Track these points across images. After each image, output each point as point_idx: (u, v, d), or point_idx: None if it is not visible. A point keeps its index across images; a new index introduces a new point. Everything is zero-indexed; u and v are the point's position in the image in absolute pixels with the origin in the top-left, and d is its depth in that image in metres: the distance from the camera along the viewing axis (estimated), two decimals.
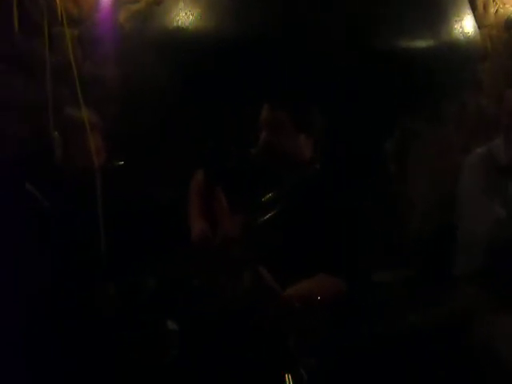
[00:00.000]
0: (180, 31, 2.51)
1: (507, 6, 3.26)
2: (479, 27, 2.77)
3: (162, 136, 2.92)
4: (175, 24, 2.53)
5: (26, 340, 2.10)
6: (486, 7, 3.25)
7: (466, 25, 2.57)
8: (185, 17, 2.50)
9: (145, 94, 2.94)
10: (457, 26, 2.52)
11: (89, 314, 2.18)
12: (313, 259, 1.83)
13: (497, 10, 3.26)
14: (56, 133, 2.36)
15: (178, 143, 2.90)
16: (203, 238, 2.03)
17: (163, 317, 2.12)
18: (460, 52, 2.54)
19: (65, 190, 2.29)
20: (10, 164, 2.19)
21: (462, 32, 2.53)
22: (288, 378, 1.60)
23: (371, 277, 1.94)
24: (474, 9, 2.86)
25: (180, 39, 2.53)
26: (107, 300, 2.21)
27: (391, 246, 2.52)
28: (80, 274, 2.20)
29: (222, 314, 1.89)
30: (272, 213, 1.91)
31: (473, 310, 2.20)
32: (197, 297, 2.01)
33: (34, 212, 2.18)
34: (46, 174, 2.27)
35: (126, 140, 2.81)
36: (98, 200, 2.15)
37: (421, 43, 2.39)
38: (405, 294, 2.58)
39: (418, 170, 2.99)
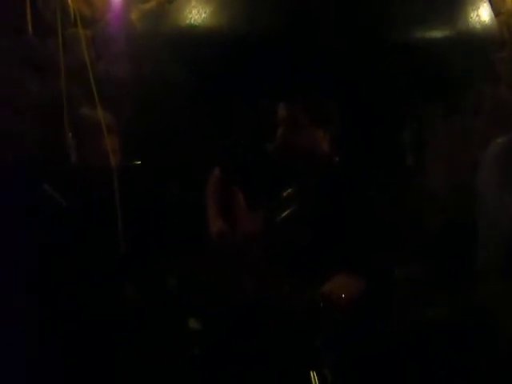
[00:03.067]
0: (193, 29, 2.50)
1: None
2: (496, 15, 2.72)
3: (177, 134, 2.92)
4: (188, 22, 2.52)
5: (42, 338, 2.11)
6: None
7: (482, 13, 2.52)
8: (197, 14, 2.49)
9: (159, 92, 2.94)
10: (473, 15, 2.48)
11: (109, 313, 2.19)
12: (333, 254, 1.82)
13: None
14: (70, 134, 2.36)
15: (193, 141, 2.90)
16: (222, 236, 2.03)
17: (185, 315, 2.12)
18: (477, 41, 2.50)
19: (82, 190, 2.30)
20: (27, 164, 2.20)
21: (479, 21, 2.49)
22: (314, 375, 1.59)
23: (392, 272, 1.92)
24: None
25: (193, 37, 2.51)
26: (126, 299, 2.21)
27: (411, 240, 2.49)
28: (99, 274, 2.21)
29: (244, 312, 1.89)
30: (292, 208, 1.91)
31: (493, 306, 2.17)
32: (218, 295, 2.00)
33: (51, 212, 2.19)
34: (63, 174, 2.28)
35: (142, 139, 2.81)
36: (115, 199, 2.15)
37: (437, 33, 2.36)
38: (423, 289, 2.56)
39: (437, 161, 2.96)
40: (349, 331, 1.70)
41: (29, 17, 2.72)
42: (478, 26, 2.49)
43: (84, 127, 2.35)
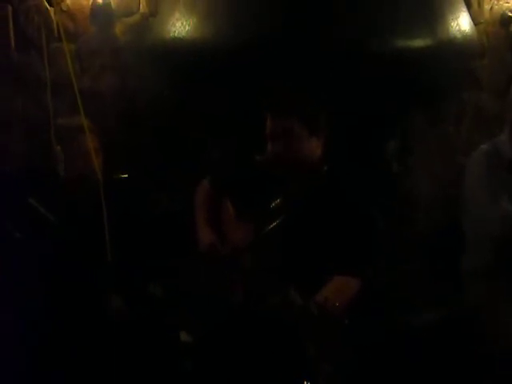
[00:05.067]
0: (177, 42, 2.50)
1: (501, 2, 3.27)
2: (475, 24, 2.77)
3: (163, 146, 2.92)
4: (171, 35, 2.52)
5: (32, 354, 2.10)
6: (480, 4, 3.27)
7: (462, 22, 2.56)
8: (181, 27, 2.49)
9: (144, 105, 2.94)
10: (453, 24, 2.51)
11: (97, 326, 2.17)
12: (324, 263, 1.83)
13: (491, 7, 3.28)
14: (58, 147, 2.36)
15: (180, 153, 2.90)
16: (211, 247, 2.03)
17: (175, 328, 2.11)
18: (458, 50, 2.53)
19: (69, 203, 2.29)
20: (14, 179, 2.19)
21: (459, 30, 2.53)
22: None
23: (382, 276, 1.93)
24: (468, 6, 2.87)
25: (177, 50, 2.52)
26: (115, 311, 2.20)
27: (398, 244, 2.51)
28: (87, 286, 2.19)
29: (234, 322, 1.88)
30: (281, 219, 1.91)
31: (481, 307, 2.20)
32: (207, 306, 2.00)
33: (38, 226, 2.18)
34: (50, 188, 2.27)
35: (128, 152, 2.80)
36: (103, 213, 2.14)
37: (420, 43, 2.38)
38: (411, 293, 2.58)
39: (421, 168, 2.99)
40: (344, 340, 1.69)
41: (12, 32, 2.72)
42: (458, 35, 2.52)
43: (64, 135, 2.33)
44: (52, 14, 2.76)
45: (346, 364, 1.65)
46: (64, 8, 2.80)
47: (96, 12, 2.85)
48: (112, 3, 2.86)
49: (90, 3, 2.84)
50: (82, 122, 2.17)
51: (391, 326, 2.21)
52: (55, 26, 2.75)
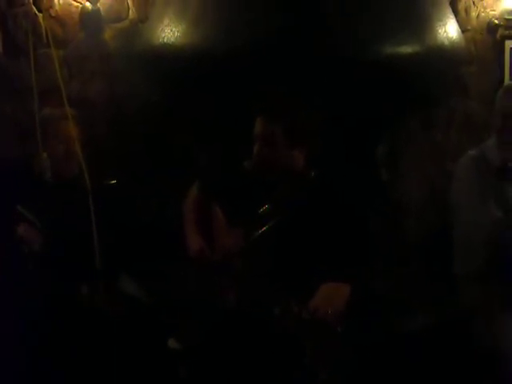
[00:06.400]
0: (166, 47, 2.51)
1: (488, 10, 3.31)
2: (462, 31, 2.79)
3: (152, 153, 2.91)
4: (161, 41, 2.52)
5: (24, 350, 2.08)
6: (467, 11, 3.30)
7: (449, 29, 2.58)
8: (170, 33, 2.50)
9: (133, 111, 2.94)
10: (441, 31, 2.53)
11: (87, 332, 2.16)
12: (313, 267, 1.83)
13: (478, 14, 3.31)
14: (45, 154, 2.35)
15: (169, 159, 2.89)
16: (201, 253, 2.03)
17: (163, 335, 2.10)
18: (446, 56, 2.55)
19: (57, 210, 2.28)
20: (2, 185, 2.18)
21: (447, 37, 2.55)
22: None
23: (376, 279, 1.94)
24: (455, 13, 2.89)
25: (166, 55, 2.52)
26: (104, 316, 2.18)
27: (388, 249, 2.52)
28: (76, 293, 2.18)
29: (227, 327, 1.87)
30: (270, 224, 1.91)
31: (472, 310, 2.22)
32: (198, 312, 1.99)
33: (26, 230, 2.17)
34: (37, 195, 2.26)
35: (117, 158, 2.80)
36: (92, 220, 2.13)
37: (407, 49, 2.40)
38: (403, 296, 2.59)
39: (410, 174, 3.02)
40: (340, 344, 1.69)
41: (0, 38, 2.71)
42: (446, 41, 2.54)
43: (47, 125, 2.32)
44: (41, 19, 2.76)
45: (343, 368, 1.65)
46: (53, 14, 2.79)
47: (85, 18, 2.85)
48: (101, 9, 2.85)
49: (79, 9, 2.84)
50: (66, 110, 2.17)
51: (387, 329, 2.22)
52: (44, 31, 2.74)
